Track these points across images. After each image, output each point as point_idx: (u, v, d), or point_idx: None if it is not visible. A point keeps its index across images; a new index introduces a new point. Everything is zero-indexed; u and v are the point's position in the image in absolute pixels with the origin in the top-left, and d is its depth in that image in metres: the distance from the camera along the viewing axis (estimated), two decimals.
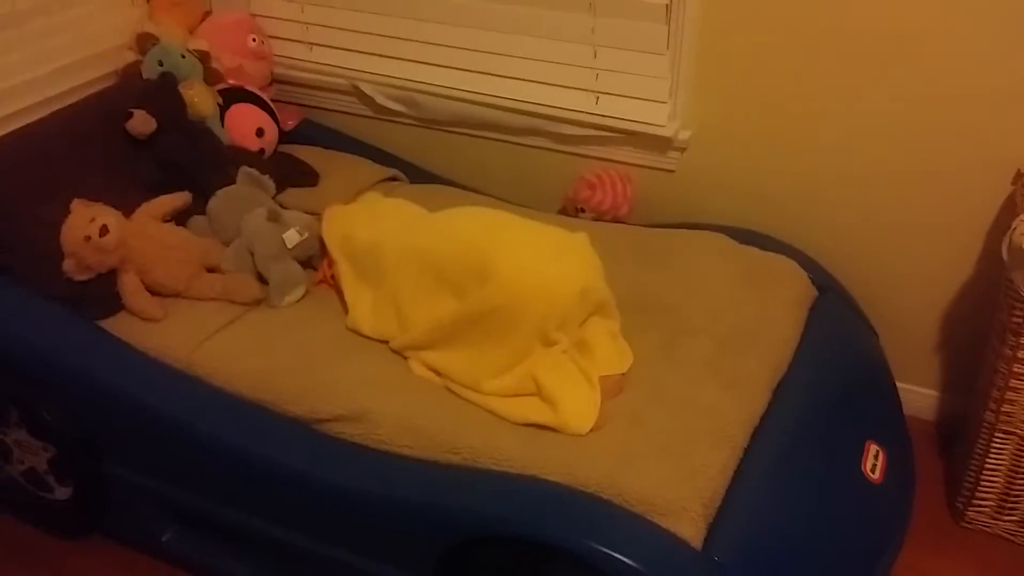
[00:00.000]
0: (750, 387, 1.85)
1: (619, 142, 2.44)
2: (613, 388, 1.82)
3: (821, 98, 2.19)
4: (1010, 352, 1.93)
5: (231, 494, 1.89)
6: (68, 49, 2.45)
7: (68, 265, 2.02)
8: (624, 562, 1.49)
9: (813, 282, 2.19)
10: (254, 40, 2.64)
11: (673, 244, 2.23)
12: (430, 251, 1.96)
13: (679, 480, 1.62)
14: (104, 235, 1.99)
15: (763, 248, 2.23)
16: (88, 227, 1.99)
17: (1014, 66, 1.99)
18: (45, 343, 1.97)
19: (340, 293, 2.10)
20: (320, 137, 2.74)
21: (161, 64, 2.42)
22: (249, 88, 2.57)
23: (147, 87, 2.37)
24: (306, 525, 1.82)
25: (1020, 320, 1.88)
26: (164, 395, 1.90)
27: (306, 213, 2.25)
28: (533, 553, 1.58)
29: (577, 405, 1.75)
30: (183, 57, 2.43)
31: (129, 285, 2.05)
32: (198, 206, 2.25)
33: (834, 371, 2.04)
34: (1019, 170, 2.06)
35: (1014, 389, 1.95)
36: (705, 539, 1.58)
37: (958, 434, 2.32)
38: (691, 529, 1.57)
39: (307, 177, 2.49)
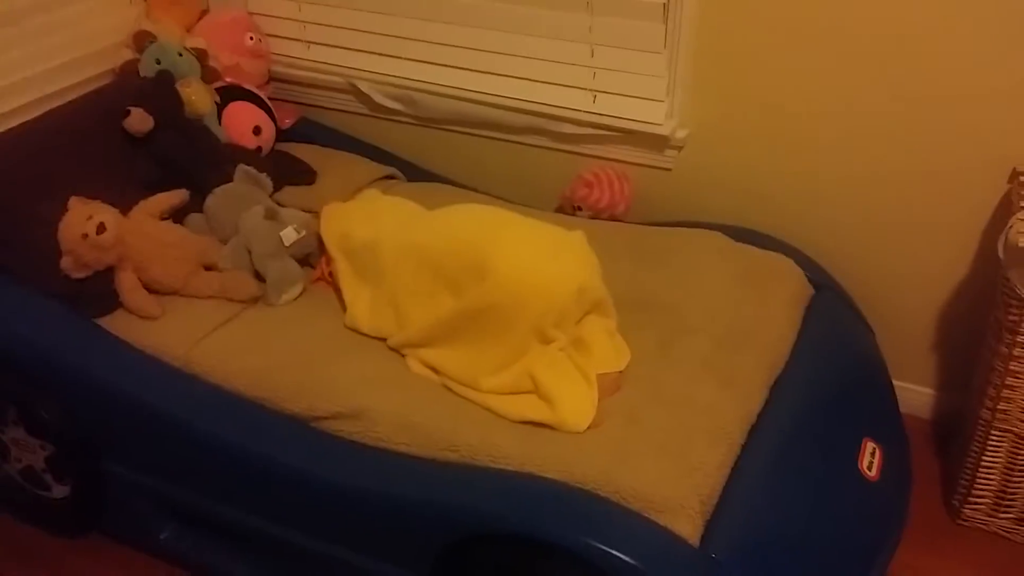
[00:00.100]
0: (747, 385, 1.86)
1: (616, 140, 2.44)
2: (610, 386, 1.82)
3: (818, 97, 2.20)
4: (1006, 350, 1.93)
5: (229, 492, 1.89)
6: (66, 47, 2.45)
7: (65, 263, 2.02)
8: (621, 559, 1.50)
9: (810, 280, 2.20)
10: (251, 38, 2.64)
11: (670, 242, 2.24)
12: (428, 249, 1.96)
13: (676, 477, 1.62)
14: (101, 233, 1.99)
15: (760, 246, 2.23)
16: (85, 225, 1.99)
17: (1011, 66, 1.99)
18: (42, 341, 1.97)
19: (338, 291, 2.10)
20: (317, 135, 2.74)
21: (159, 62, 2.42)
22: (246, 86, 2.57)
23: (144, 85, 2.37)
24: (304, 523, 1.82)
25: (1016, 318, 1.89)
26: (162, 393, 1.90)
27: (303, 211, 2.25)
28: (531, 550, 1.58)
29: (574, 403, 1.75)
30: (180, 55, 2.43)
31: (126, 283, 2.05)
32: (195, 204, 2.25)
33: (831, 369, 2.04)
34: (1015, 169, 2.07)
35: (1010, 387, 1.95)
36: (702, 536, 1.58)
37: (954, 432, 2.33)
38: (688, 526, 1.57)
39: (304, 175, 2.49)
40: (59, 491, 2.12)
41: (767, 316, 2.03)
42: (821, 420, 1.92)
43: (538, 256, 1.89)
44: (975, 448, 2.07)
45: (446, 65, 2.56)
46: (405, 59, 2.61)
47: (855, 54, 2.11)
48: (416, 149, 2.73)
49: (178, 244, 2.13)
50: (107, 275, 2.05)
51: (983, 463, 2.06)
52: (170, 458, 1.93)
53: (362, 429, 1.78)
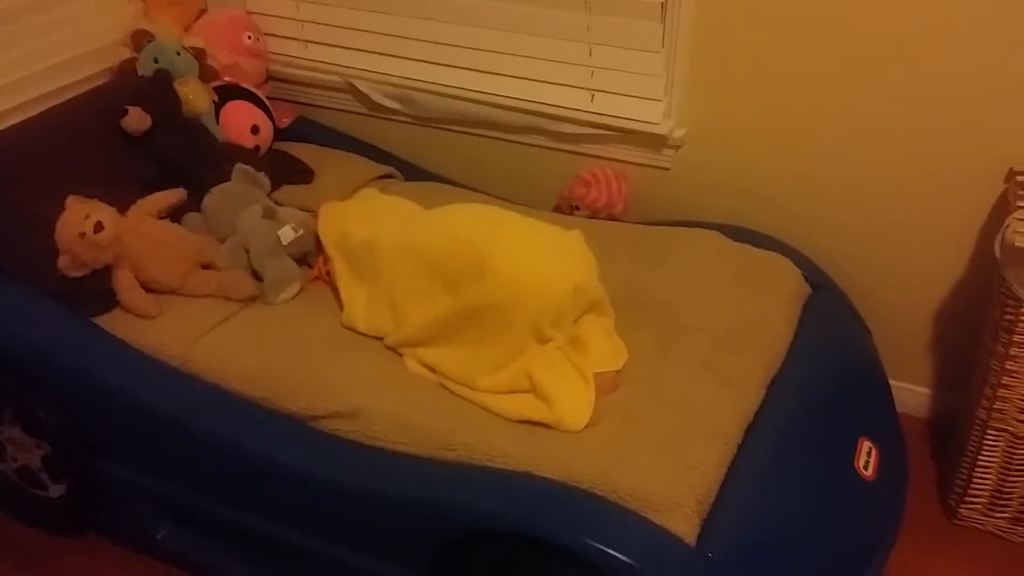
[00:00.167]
0: (744, 384, 1.86)
1: (614, 140, 2.44)
2: (608, 385, 1.82)
3: (816, 97, 2.20)
4: (1002, 349, 1.93)
5: (226, 491, 1.89)
6: (64, 46, 2.45)
7: (63, 262, 2.02)
8: (618, 558, 1.50)
9: (807, 279, 2.20)
10: (249, 37, 2.64)
11: (668, 242, 2.24)
12: (426, 248, 1.96)
13: (673, 477, 1.62)
14: (99, 231, 1.99)
15: (757, 246, 2.23)
16: (83, 223, 1.99)
17: (1008, 66, 2.00)
18: (39, 340, 1.97)
19: (335, 290, 2.10)
20: (315, 134, 2.74)
21: (156, 61, 2.42)
22: (244, 85, 2.57)
23: (142, 84, 2.37)
24: (301, 522, 1.82)
25: (1012, 318, 1.89)
26: (159, 392, 1.90)
27: (301, 210, 2.25)
28: (528, 550, 1.58)
29: (572, 402, 1.76)
30: (178, 54, 2.43)
31: (124, 282, 2.05)
32: (193, 203, 2.25)
33: (828, 368, 2.04)
34: (1012, 169, 2.07)
35: (1006, 386, 1.96)
36: (699, 535, 1.58)
37: (951, 431, 2.33)
38: (685, 525, 1.58)
39: (302, 174, 2.49)
40: (55, 490, 2.12)
41: (764, 315, 2.03)
42: (818, 419, 1.92)
43: (536, 255, 1.89)
44: (971, 447, 2.07)
45: (444, 64, 2.56)
46: (403, 58, 2.61)
47: (853, 54, 2.12)
48: (414, 148, 2.73)
49: (176, 243, 2.13)
50: (104, 274, 2.05)
51: (979, 462, 2.07)
52: (167, 457, 1.93)
53: (359, 428, 1.78)
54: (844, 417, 1.98)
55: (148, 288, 2.08)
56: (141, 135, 2.28)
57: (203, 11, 2.71)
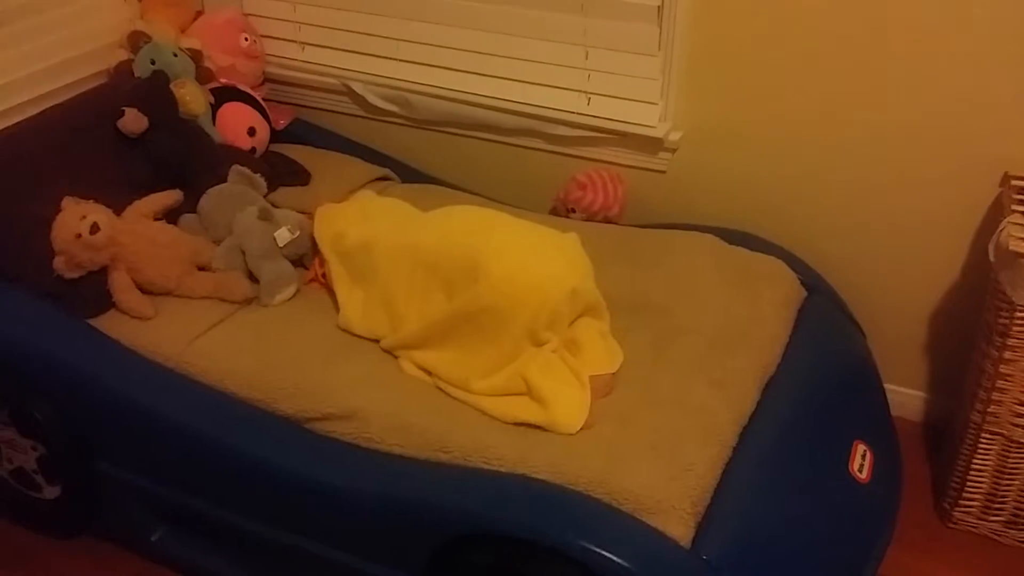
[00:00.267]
0: (739, 387, 1.86)
1: (610, 143, 2.44)
2: (603, 387, 1.83)
3: (811, 101, 2.20)
4: (996, 353, 1.94)
5: (221, 493, 1.89)
6: (60, 47, 2.45)
7: (59, 263, 2.02)
8: (613, 561, 1.50)
9: (802, 283, 2.20)
10: (246, 39, 2.64)
11: (663, 244, 2.24)
12: (422, 250, 1.97)
13: (668, 479, 1.63)
14: (95, 233, 1.99)
15: (752, 249, 2.23)
16: (79, 225, 1.99)
17: (1003, 72, 2.00)
18: (35, 341, 1.96)
19: (331, 292, 2.11)
20: (312, 136, 2.74)
21: (153, 62, 2.42)
22: (241, 87, 2.57)
23: (139, 85, 2.36)
24: (297, 524, 1.82)
25: (1006, 321, 1.90)
26: (154, 394, 1.90)
27: (297, 212, 2.25)
28: (523, 552, 1.58)
29: (567, 404, 1.76)
30: (175, 56, 2.44)
31: (120, 283, 2.05)
32: (189, 204, 2.25)
33: (822, 371, 2.05)
34: (1006, 173, 2.08)
35: (1000, 390, 1.96)
36: (694, 538, 1.59)
37: (945, 435, 2.34)
38: (680, 528, 1.58)
39: (299, 176, 2.50)
40: (50, 492, 2.12)
41: (759, 318, 2.04)
42: (812, 422, 1.92)
43: (531, 258, 1.89)
44: (965, 451, 2.08)
45: (441, 67, 2.56)
46: (399, 61, 2.61)
47: (849, 59, 2.12)
48: (411, 151, 2.74)
49: (172, 244, 2.13)
50: (100, 275, 2.05)
51: (973, 466, 2.07)
52: (162, 459, 1.93)
53: (355, 430, 1.78)
54: (839, 420, 1.99)
55: (144, 289, 2.08)
56: (137, 136, 2.28)
57: (200, 13, 2.71)
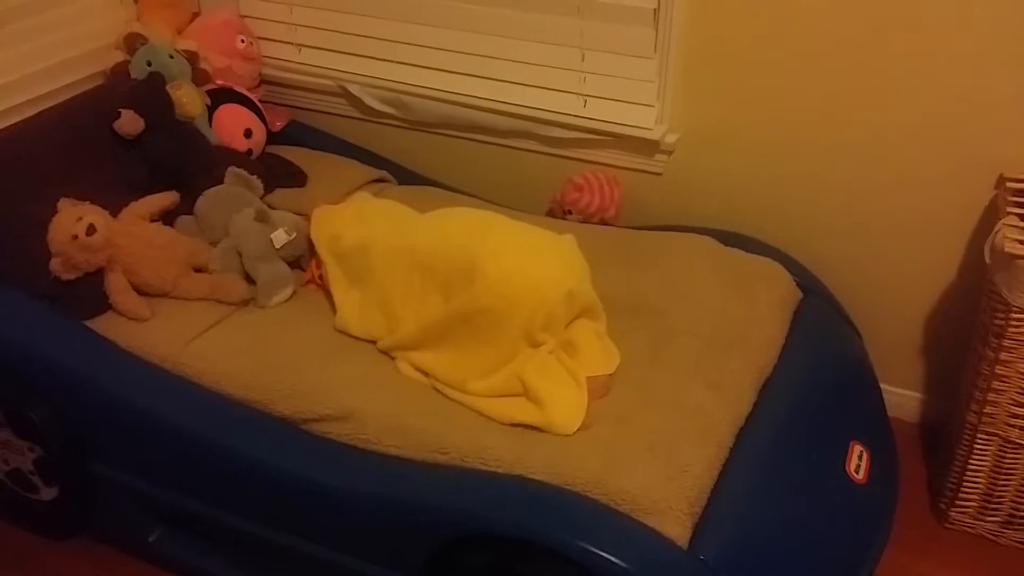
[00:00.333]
0: (736, 388, 1.87)
1: (607, 145, 2.45)
2: (600, 388, 1.83)
3: (807, 103, 2.21)
4: (992, 354, 1.94)
5: (218, 494, 1.89)
6: (56, 48, 2.45)
7: (55, 264, 2.01)
8: (610, 561, 1.50)
9: (798, 284, 2.21)
10: (242, 41, 2.64)
11: (660, 246, 2.24)
12: (419, 251, 1.97)
13: (665, 479, 1.63)
14: (91, 234, 1.99)
15: (748, 250, 2.24)
16: (75, 226, 1.99)
17: (999, 74, 2.01)
18: (32, 343, 1.96)
19: (328, 293, 2.11)
20: (308, 138, 2.74)
21: (149, 64, 2.42)
22: (237, 89, 2.57)
23: (135, 87, 2.37)
24: (294, 525, 1.82)
25: (1002, 322, 1.90)
26: (151, 395, 1.90)
27: (294, 214, 2.25)
28: (520, 552, 1.58)
29: (564, 405, 1.76)
30: (171, 57, 2.44)
31: (116, 284, 2.05)
32: (186, 206, 2.25)
33: (819, 372, 2.05)
34: (1001, 175, 2.08)
35: (996, 391, 1.97)
36: (691, 538, 1.59)
37: (941, 436, 2.34)
38: (677, 528, 1.58)
39: (295, 178, 2.50)
40: (47, 493, 2.11)
41: (756, 319, 2.04)
42: (809, 423, 1.93)
43: (528, 260, 1.89)
44: (962, 452, 2.08)
45: (437, 69, 2.56)
46: (396, 63, 2.61)
47: (845, 61, 2.13)
48: (407, 152, 2.74)
49: (168, 246, 2.12)
50: (97, 277, 2.05)
51: (970, 467, 2.07)
52: (159, 460, 1.93)
53: (352, 431, 1.78)
54: (835, 421, 1.99)
55: (140, 291, 2.07)
56: (134, 138, 2.28)
57: (196, 14, 2.72)
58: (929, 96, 2.09)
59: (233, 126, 2.49)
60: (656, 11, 2.22)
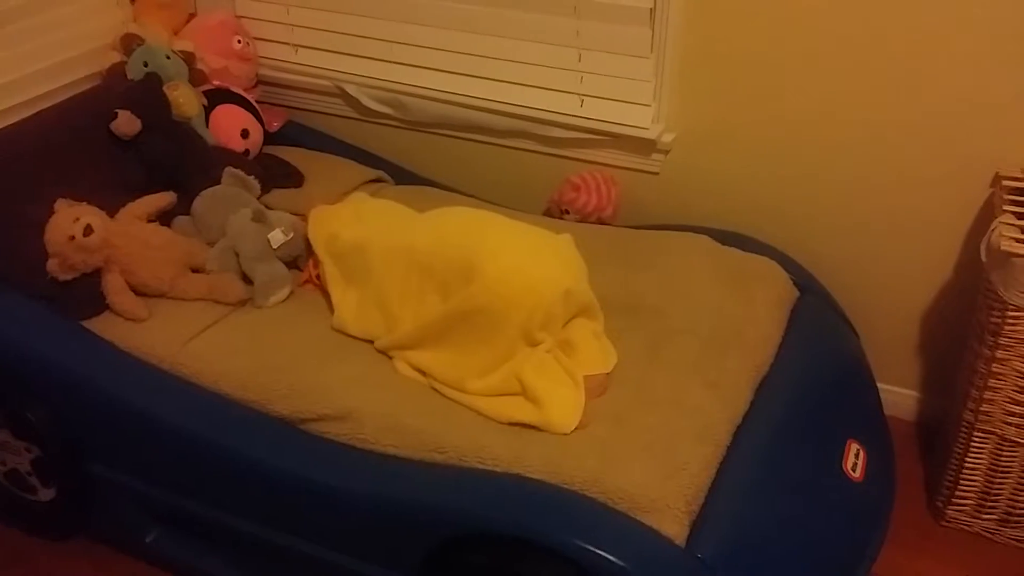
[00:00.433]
0: (733, 386, 1.87)
1: (604, 144, 2.45)
2: (597, 388, 1.83)
3: (803, 102, 2.21)
4: (988, 352, 1.95)
5: (216, 494, 1.89)
6: (53, 49, 2.45)
7: (52, 265, 2.01)
8: (608, 560, 1.51)
9: (795, 283, 2.21)
10: (239, 42, 2.64)
11: (657, 245, 2.25)
12: (416, 251, 1.97)
13: (663, 478, 1.63)
14: (88, 235, 1.99)
15: (745, 249, 2.24)
16: (72, 227, 1.99)
17: (996, 73, 2.01)
18: (29, 343, 1.96)
19: (325, 293, 2.11)
20: (305, 138, 2.74)
21: (146, 65, 2.41)
22: (234, 89, 2.57)
23: (132, 88, 2.36)
24: (292, 525, 1.82)
25: (998, 320, 1.91)
26: (148, 395, 1.89)
27: (291, 214, 2.25)
28: (518, 551, 1.58)
29: (561, 404, 1.76)
30: (168, 58, 2.43)
31: (113, 285, 2.05)
32: (183, 206, 2.25)
33: (815, 371, 2.05)
34: (997, 173, 2.09)
35: (992, 389, 1.97)
36: (688, 537, 1.59)
37: (938, 434, 2.35)
38: (675, 527, 1.58)
39: (292, 178, 2.50)
40: (45, 494, 2.11)
41: (753, 318, 2.04)
42: (806, 421, 1.93)
43: (525, 259, 1.89)
44: (958, 450, 2.08)
45: (434, 69, 2.56)
46: (393, 63, 2.61)
47: (842, 60, 2.13)
48: (404, 152, 2.74)
49: (165, 246, 2.12)
50: (94, 277, 2.05)
51: (966, 465, 2.08)
52: (157, 460, 1.93)
53: (350, 431, 1.78)
54: (832, 419, 1.99)
55: (138, 291, 2.07)
56: (131, 138, 2.28)
57: (192, 15, 2.72)
58: (926, 96, 2.09)
59: (230, 127, 2.49)
60: (652, 11, 2.22)
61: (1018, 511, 2.09)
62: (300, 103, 2.81)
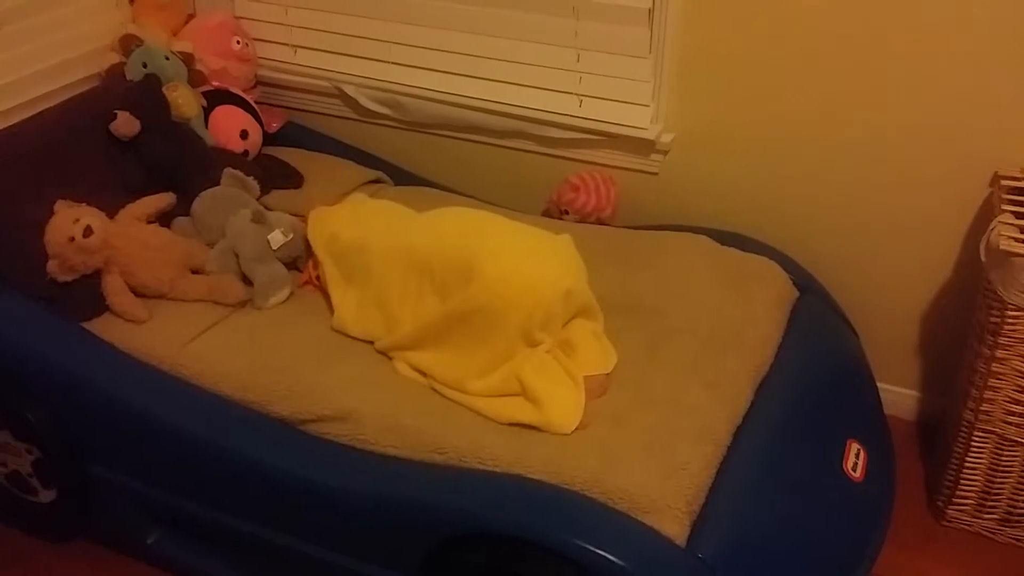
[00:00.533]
0: (733, 387, 1.87)
1: (603, 145, 2.45)
2: (597, 388, 1.83)
3: (802, 102, 2.21)
4: (988, 351, 1.95)
5: (216, 495, 1.89)
6: (52, 51, 2.44)
7: (52, 266, 2.01)
8: (609, 560, 1.51)
9: (794, 283, 2.22)
10: (238, 42, 2.64)
11: (656, 246, 2.25)
12: (416, 251, 1.97)
13: (663, 478, 1.63)
14: (88, 236, 1.99)
15: (744, 250, 2.24)
16: (72, 228, 1.99)
17: (995, 73, 2.01)
18: (29, 345, 1.96)
19: (325, 294, 2.11)
20: (304, 139, 2.74)
21: (145, 66, 2.41)
22: (233, 90, 2.57)
23: (131, 89, 2.36)
24: (292, 525, 1.82)
25: (998, 320, 1.91)
26: (149, 396, 1.89)
27: (291, 215, 2.25)
28: (519, 551, 1.58)
29: (561, 404, 1.76)
30: (167, 59, 2.43)
31: (113, 286, 2.05)
32: (182, 207, 2.25)
33: (815, 371, 2.05)
34: (996, 173, 2.09)
35: (992, 388, 1.97)
36: (689, 536, 1.59)
37: (938, 434, 2.35)
38: (675, 527, 1.58)
39: (291, 179, 2.50)
40: (46, 496, 2.11)
41: (752, 318, 2.04)
42: (806, 421, 1.93)
43: (525, 259, 1.89)
44: (958, 449, 2.09)
45: (433, 69, 2.56)
46: (392, 63, 2.61)
47: (841, 60, 2.13)
48: (403, 153, 2.74)
49: (165, 247, 2.12)
50: (94, 279, 2.05)
51: (966, 464, 2.08)
52: (157, 462, 1.93)
53: (350, 432, 1.78)
54: (832, 419, 1.99)
55: (137, 292, 2.07)
56: (130, 139, 2.28)
57: (191, 16, 2.72)
58: (925, 96, 2.09)
59: (229, 127, 2.49)
60: (651, 11, 2.22)
61: (1019, 510, 2.09)
62: (299, 104, 2.81)
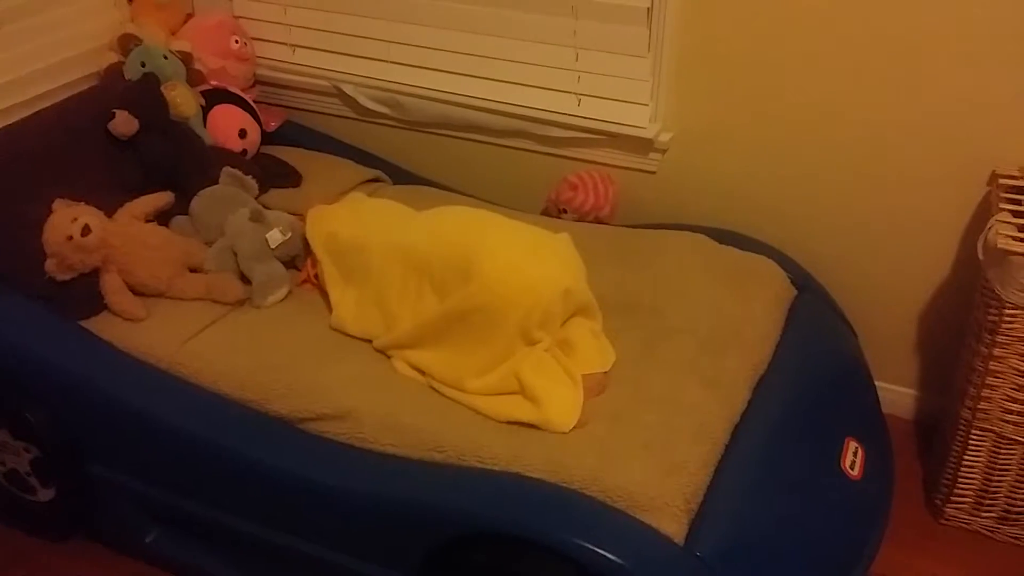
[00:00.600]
0: (731, 385, 1.87)
1: (601, 144, 2.45)
2: (596, 386, 1.83)
3: (801, 101, 2.21)
4: (986, 350, 1.95)
5: (215, 494, 1.89)
6: (51, 50, 2.44)
7: (50, 265, 2.01)
8: (607, 558, 1.51)
9: (792, 281, 2.22)
10: (237, 42, 2.64)
11: (654, 245, 2.25)
12: (415, 250, 1.97)
13: (661, 477, 1.63)
14: (86, 235, 1.99)
15: (743, 248, 2.24)
16: (70, 227, 1.99)
17: (993, 73, 2.02)
18: (27, 343, 1.96)
19: (324, 293, 2.11)
20: (303, 138, 2.74)
21: (144, 65, 2.41)
22: (232, 89, 2.57)
23: (129, 88, 2.36)
24: (291, 524, 1.82)
25: (996, 318, 1.91)
26: (147, 395, 1.89)
27: (289, 214, 2.25)
28: (517, 550, 1.58)
29: (560, 403, 1.76)
30: (166, 58, 2.43)
31: (111, 285, 2.05)
32: (181, 206, 2.25)
33: (813, 369, 2.06)
34: (994, 172, 2.09)
35: (990, 387, 1.97)
36: (687, 535, 1.59)
37: (936, 432, 2.35)
38: (673, 525, 1.58)
39: (290, 178, 2.50)
40: (44, 494, 2.11)
41: (750, 317, 2.04)
42: (804, 420, 1.93)
43: (524, 258, 1.90)
44: (956, 448, 2.09)
45: (432, 68, 2.57)
46: (390, 62, 2.61)
47: (839, 60, 2.13)
48: (402, 152, 2.74)
49: (163, 246, 2.12)
50: (92, 277, 2.05)
51: (964, 463, 2.08)
52: (156, 461, 1.93)
53: (348, 430, 1.78)
54: (830, 417, 1.99)
55: (136, 291, 2.07)
56: (128, 138, 2.28)
57: (190, 15, 2.72)
58: (925, 96, 2.10)
59: (227, 127, 2.49)
60: (649, 10, 2.23)
61: (1016, 509, 2.09)
62: (298, 103, 2.81)
